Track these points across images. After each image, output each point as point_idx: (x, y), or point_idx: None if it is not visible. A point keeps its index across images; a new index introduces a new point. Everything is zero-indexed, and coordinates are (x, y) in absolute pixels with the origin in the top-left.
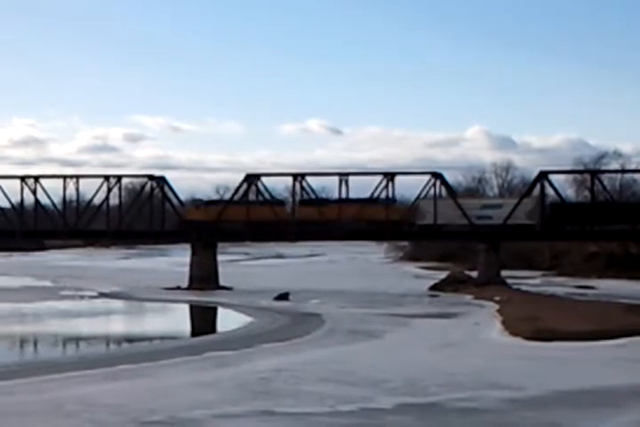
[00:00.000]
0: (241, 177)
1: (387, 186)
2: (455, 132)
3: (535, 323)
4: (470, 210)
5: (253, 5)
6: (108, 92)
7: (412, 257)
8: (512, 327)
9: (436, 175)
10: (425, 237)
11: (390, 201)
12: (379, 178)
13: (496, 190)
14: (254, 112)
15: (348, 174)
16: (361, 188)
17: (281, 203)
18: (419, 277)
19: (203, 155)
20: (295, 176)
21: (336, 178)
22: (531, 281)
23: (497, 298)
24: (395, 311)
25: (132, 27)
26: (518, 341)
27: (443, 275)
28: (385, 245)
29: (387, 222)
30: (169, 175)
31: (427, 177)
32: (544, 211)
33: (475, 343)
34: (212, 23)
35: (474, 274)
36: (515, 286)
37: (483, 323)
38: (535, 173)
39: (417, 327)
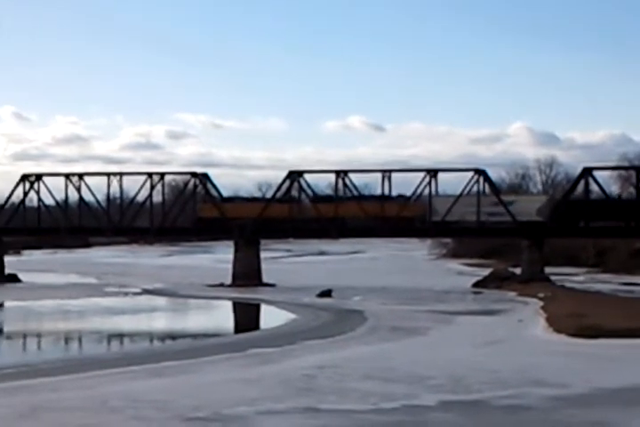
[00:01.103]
0: (283, 174)
1: (429, 183)
2: (498, 129)
3: (580, 320)
4: (482, 207)
5: (294, 4)
6: (150, 90)
7: (455, 254)
8: (556, 324)
9: (480, 172)
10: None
11: (404, 198)
12: (421, 175)
13: (540, 187)
14: (297, 109)
15: (390, 171)
16: (404, 184)
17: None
18: (462, 273)
19: (245, 152)
20: (338, 173)
21: (379, 175)
22: (575, 278)
23: (541, 295)
24: (438, 308)
25: (175, 24)
26: (563, 338)
27: (486, 272)
28: (428, 241)
29: (400, 219)
30: (211, 172)
31: (470, 174)
32: (558, 208)
33: (519, 340)
34: (255, 21)
35: (517, 271)
36: (559, 283)
37: (527, 320)
38: (579, 170)
39: (460, 324)
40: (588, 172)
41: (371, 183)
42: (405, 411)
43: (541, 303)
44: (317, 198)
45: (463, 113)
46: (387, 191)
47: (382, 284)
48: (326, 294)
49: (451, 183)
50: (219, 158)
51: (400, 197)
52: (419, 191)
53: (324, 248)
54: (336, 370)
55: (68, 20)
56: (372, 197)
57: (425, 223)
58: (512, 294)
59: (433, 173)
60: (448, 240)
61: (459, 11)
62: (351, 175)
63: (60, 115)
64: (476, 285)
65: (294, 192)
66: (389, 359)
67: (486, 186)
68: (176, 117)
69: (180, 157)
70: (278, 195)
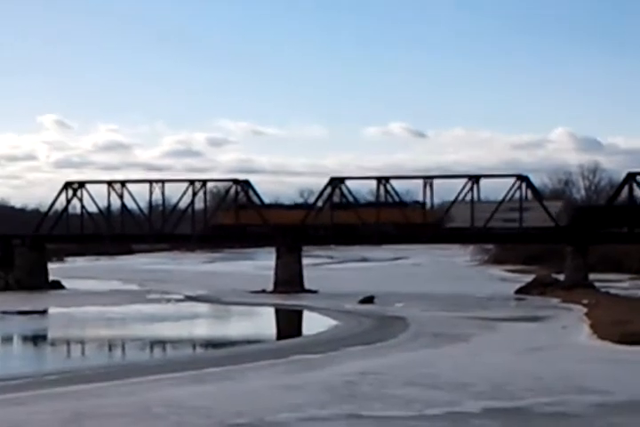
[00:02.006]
0: (324, 181)
1: (471, 189)
2: (539, 134)
3: (624, 327)
4: (497, 213)
5: (337, 10)
6: (191, 97)
7: (497, 260)
8: (601, 331)
9: (522, 178)
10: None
11: (420, 204)
12: (463, 181)
13: (583, 193)
14: (337, 115)
15: (432, 177)
16: (446, 191)
17: (309, 207)
18: (505, 280)
19: (286, 158)
20: (379, 180)
21: (420, 181)
22: (619, 284)
23: (585, 301)
24: (481, 315)
25: (215, 31)
26: (607, 345)
27: (529, 278)
28: (470, 247)
29: (417, 226)
30: (252, 179)
31: (512, 180)
32: (571, 214)
33: (562, 347)
34: (296, 27)
35: (561, 277)
36: (603, 290)
37: (570, 326)
38: (623, 175)
39: (503, 331)
40: (632, 177)
41: (412, 190)
42: (448, 418)
43: (585, 310)
44: (337, 205)
45: (505, 119)
46: (428, 198)
47: (424, 290)
48: (368, 300)
49: (493, 189)
50: (259, 165)
51: (416, 203)
52: (460, 197)
53: (367, 255)
54: (379, 377)
55: (109, 28)
56: (389, 204)
57: (441, 229)
58: (555, 301)
59: (475, 179)
60: (490, 246)
61: (499, 16)
62: (392, 182)
63: (101, 122)
64: (518, 291)
65: (336, 198)
66: (432, 366)
67: (529, 192)
68: (217, 124)
69: (221, 164)
70: (320, 201)
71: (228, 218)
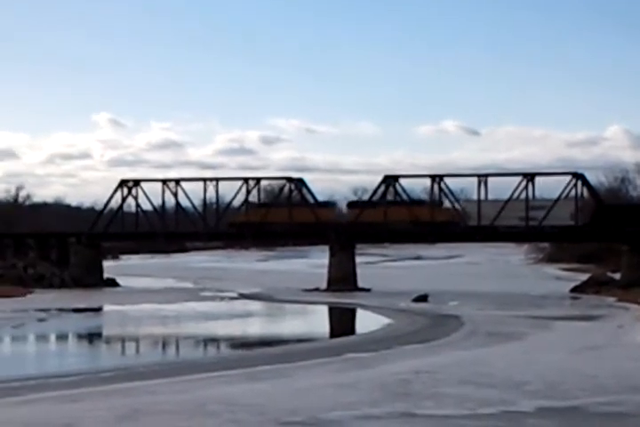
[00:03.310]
0: (377, 179)
1: (526, 187)
2: (594, 132)
3: None
4: (516, 211)
5: (387, 7)
6: (243, 95)
7: (552, 258)
8: None
9: (578, 176)
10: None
11: (437, 203)
12: (518, 179)
13: None
14: (390, 113)
15: (487, 175)
16: (500, 189)
17: (327, 205)
18: (559, 278)
19: (339, 156)
20: (433, 178)
21: (474, 179)
22: None
23: None
24: (535, 313)
25: (268, 30)
26: None
27: (584, 277)
28: (525, 246)
29: (433, 224)
30: (305, 177)
31: (567, 177)
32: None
33: (618, 346)
34: (347, 26)
35: (617, 276)
36: None
37: (627, 326)
38: None
39: (558, 330)
40: None
41: (467, 188)
42: (502, 417)
43: None
44: (351, 204)
45: (559, 116)
46: (482, 195)
47: (479, 289)
48: (422, 298)
49: (548, 187)
50: (312, 163)
51: (432, 202)
52: (515, 195)
53: (421, 253)
54: (432, 375)
55: (161, 26)
56: (401, 203)
57: (457, 228)
58: (611, 300)
59: (530, 177)
60: (545, 245)
61: (553, 11)
62: (446, 180)
63: (154, 121)
64: (573, 290)
65: (390, 197)
66: (486, 365)
67: (584, 190)
68: (269, 122)
69: (274, 162)
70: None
71: (244, 216)
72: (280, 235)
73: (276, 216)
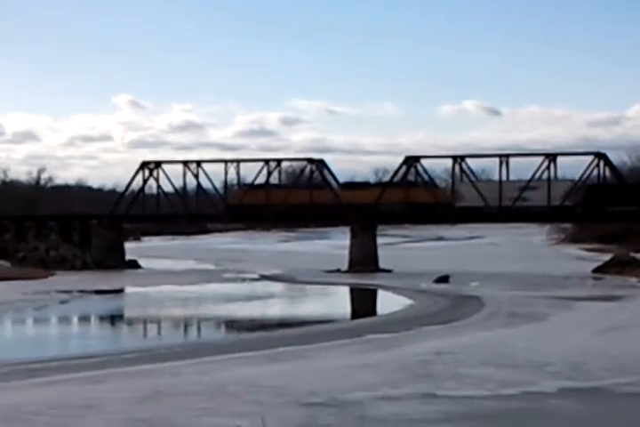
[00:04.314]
0: (398, 160)
1: (548, 167)
2: (617, 111)
3: None
4: (508, 192)
5: None
6: (263, 76)
7: (574, 239)
8: None
9: (600, 155)
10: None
11: (430, 184)
12: (540, 159)
13: None
14: (410, 94)
15: (508, 156)
16: (522, 169)
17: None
18: (581, 259)
19: (360, 137)
20: (455, 158)
21: (496, 159)
22: None
23: None
24: (557, 294)
25: (288, 11)
26: None
27: (607, 257)
28: (547, 226)
29: (427, 205)
30: (326, 158)
31: (590, 158)
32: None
33: None
34: (368, 6)
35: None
36: None
37: None
38: None
39: (580, 310)
40: None
41: (488, 168)
42: (524, 398)
43: None
44: (345, 185)
45: (581, 95)
46: (504, 176)
47: (500, 269)
48: (443, 279)
49: (570, 167)
50: (333, 144)
51: (425, 183)
52: (537, 176)
53: (442, 234)
54: (453, 356)
55: (181, 7)
56: (397, 184)
57: (451, 209)
58: (634, 280)
59: (552, 157)
60: (567, 225)
61: None
62: (468, 160)
63: (175, 102)
64: (596, 270)
65: (411, 177)
66: (507, 345)
67: (607, 170)
68: (290, 104)
69: (295, 144)
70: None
71: (236, 198)
72: (299, 217)
73: (297, 197)
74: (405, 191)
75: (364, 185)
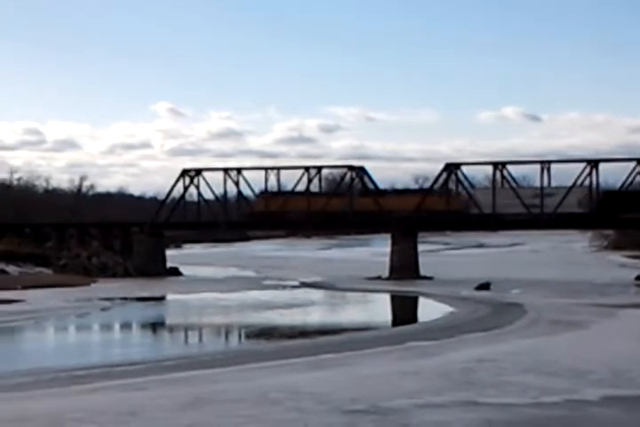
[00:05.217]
0: (438, 166)
1: (590, 173)
2: None
3: None
4: (524, 199)
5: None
6: (302, 83)
7: (616, 246)
8: None
9: None
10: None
11: (447, 191)
12: (581, 165)
13: None
14: (449, 100)
15: (549, 162)
16: (563, 175)
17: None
18: (624, 266)
19: (398, 144)
20: (495, 165)
21: (537, 166)
22: None
23: None
24: (600, 301)
25: (326, 17)
26: None
27: None
28: (589, 233)
29: (444, 213)
30: (365, 165)
31: (632, 164)
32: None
33: None
34: (406, 12)
35: None
36: None
37: None
38: None
39: (623, 318)
40: None
41: (529, 175)
42: (566, 406)
43: None
44: (362, 192)
45: (621, 101)
46: (545, 183)
47: (542, 277)
48: (485, 286)
49: (612, 174)
50: (372, 151)
51: (442, 190)
52: (579, 182)
53: (483, 241)
54: (495, 363)
55: (220, 14)
56: (412, 191)
57: (466, 216)
58: None
59: (594, 163)
60: (610, 232)
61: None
62: (509, 167)
63: (214, 110)
64: (639, 277)
65: (452, 184)
66: (549, 353)
67: None
68: (328, 111)
69: (334, 151)
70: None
71: (261, 205)
72: (340, 224)
73: (337, 204)
74: (421, 198)
75: (381, 193)
